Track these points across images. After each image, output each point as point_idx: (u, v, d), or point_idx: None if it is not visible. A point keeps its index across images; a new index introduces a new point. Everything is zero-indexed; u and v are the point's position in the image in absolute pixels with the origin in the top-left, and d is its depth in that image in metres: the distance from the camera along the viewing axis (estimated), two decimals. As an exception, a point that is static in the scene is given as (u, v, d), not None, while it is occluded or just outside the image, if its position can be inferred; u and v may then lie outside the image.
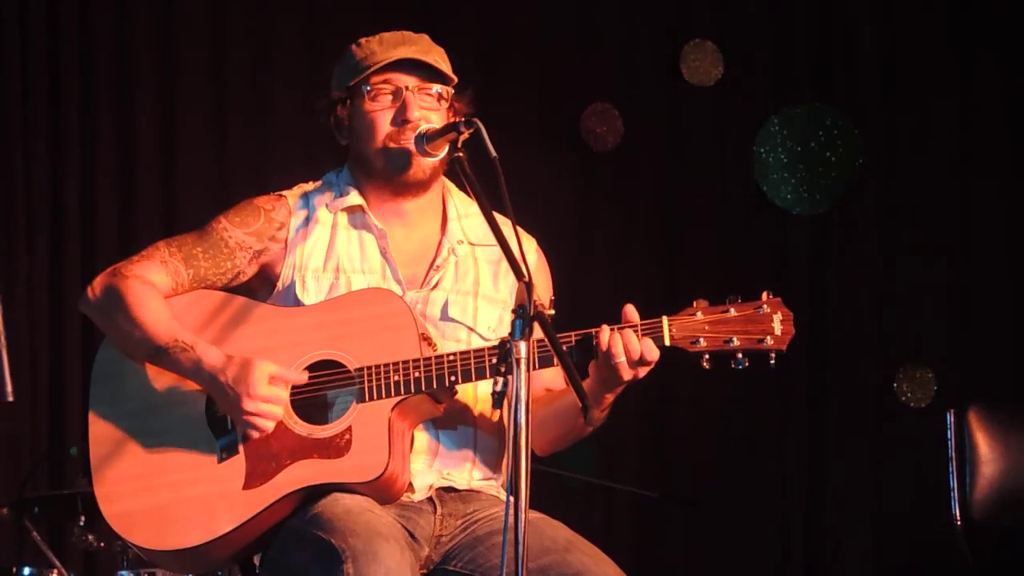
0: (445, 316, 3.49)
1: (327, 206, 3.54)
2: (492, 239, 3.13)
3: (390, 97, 3.49)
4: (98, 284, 3.47)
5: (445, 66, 3.52)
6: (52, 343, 6.09)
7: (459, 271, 3.54)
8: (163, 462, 3.38)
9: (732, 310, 3.33)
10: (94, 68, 6.18)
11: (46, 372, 6.08)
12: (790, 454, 6.48)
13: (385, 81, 3.49)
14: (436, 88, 3.51)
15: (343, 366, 3.35)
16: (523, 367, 2.88)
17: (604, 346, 3.26)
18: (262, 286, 3.55)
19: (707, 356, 3.32)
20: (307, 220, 3.53)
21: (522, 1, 6.53)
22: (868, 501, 6.41)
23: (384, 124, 3.48)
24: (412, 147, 3.44)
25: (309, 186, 3.60)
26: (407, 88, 3.48)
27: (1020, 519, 4.73)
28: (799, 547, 6.45)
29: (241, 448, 3.35)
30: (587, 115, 6.52)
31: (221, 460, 3.36)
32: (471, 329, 3.50)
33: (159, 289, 3.44)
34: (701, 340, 3.31)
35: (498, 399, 3.09)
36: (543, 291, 3.57)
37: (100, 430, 3.42)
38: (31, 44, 6.12)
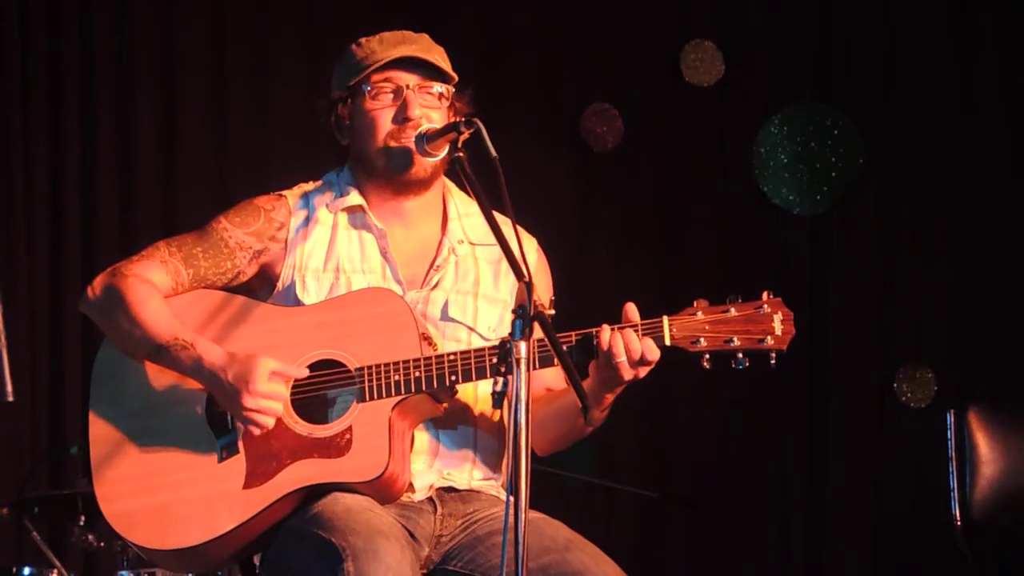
0: (445, 316, 3.49)
1: (327, 206, 3.54)
2: (492, 239, 3.13)
3: (391, 96, 3.49)
4: (98, 284, 3.47)
5: (445, 65, 3.52)
6: (52, 343, 6.08)
7: (459, 271, 3.54)
8: (163, 462, 3.38)
9: (732, 310, 3.33)
10: (94, 68, 6.18)
11: (46, 372, 6.07)
12: (790, 454, 6.48)
13: (386, 80, 3.49)
14: (437, 87, 3.51)
15: (343, 366, 3.35)
16: (523, 367, 2.88)
17: (605, 346, 3.26)
18: (262, 286, 3.55)
19: (707, 356, 3.32)
20: (307, 220, 3.53)
21: (522, 1, 6.53)
22: (868, 501, 6.41)
23: (385, 122, 3.48)
24: (413, 146, 3.44)
25: (309, 186, 3.60)
26: (408, 87, 3.48)
27: (1020, 519, 4.73)
28: (799, 547, 6.45)
29: (241, 447, 3.35)
30: (587, 115, 6.52)
31: (221, 459, 3.36)
32: (471, 329, 3.50)
33: (159, 288, 3.44)
34: (702, 340, 3.31)
35: (498, 399, 3.09)
36: (543, 291, 3.57)
37: (100, 430, 3.42)
38: (31, 44, 6.11)
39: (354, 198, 3.53)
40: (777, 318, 3.33)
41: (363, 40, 3.55)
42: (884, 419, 6.45)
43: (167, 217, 6.17)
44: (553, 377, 3.47)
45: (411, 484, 3.39)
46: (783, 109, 6.53)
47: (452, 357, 3.32)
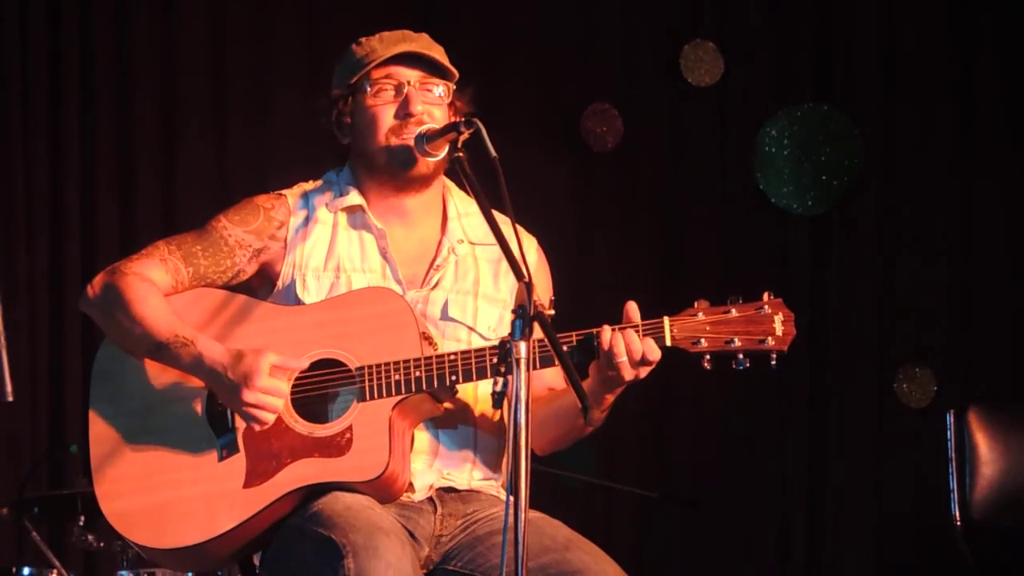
0: (445, 316, 3.49)
1: (327, 206, 3.54)
2: (492, 238, 3.13)
3: (392, 92, 3.49)
4: (98, 282, 3.47)
5: (446, 62, 3.52)
6: (52, 343, 6.09)
7: (459, 271, 3.54)
8: (163, 460, 3.38)
9: (733, 311, 3.33)
10: (94, 68, 6.18)
11: (46, 372, 6.08)
12: (790, 454, 6.48)
13: (387, 76, 3.49)
14: (438, 84, 3.51)
15: (344, 365, 3.35)
16: (523, 367, 2.88)
17: (606, 346, 3.26)
18: (262, 285, 3.55)
19: (708, 356, 3.31)
20: (307, 220, 3.53)
21: (522, 1, 6.53)
22: (868, 501, 6.41)
23: (387, 118, 3.48)
24: (413, 145, 3.44)
25: (309, 185, 3.60)
26: (409, 83, 3.48)
27: (1020, 519, 4.73)
28: (799, 547, 6.45)
29: (241, 446, 3.35)
30: (587, 115, 6.52)
31: (221, 458, 3.36)
32: (471, 329, 3.50)
33: (159, 287, 3.44)
34: (702, 340, 3.31)
35: (498, 399, 3.09)
36: (543, 291, 3.57)
37: (100, 429, 3.42)
38: (31, 44, 6.12)
39: (354, 198, 3.53)
40: (778, 319, 3.33)
41: (363, 39, 3.55)
42: (884, 419, 6.45)
43: (167, 217, 6.18)
44: (554, 377, 3.47)
45: (411, 484, 3.39)
46: (783, 109, 6.53)
47: (452, 357, 3.32)
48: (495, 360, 3.27)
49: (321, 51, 6.11)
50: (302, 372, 3.36)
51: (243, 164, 6.26)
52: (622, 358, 3.25)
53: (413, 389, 3.31)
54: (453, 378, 3.32)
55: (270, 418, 3.32)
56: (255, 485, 3.33)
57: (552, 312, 3.13)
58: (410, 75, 3.49)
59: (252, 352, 3.31)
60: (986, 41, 6.47)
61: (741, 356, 3.32)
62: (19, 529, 5.59)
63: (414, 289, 3.50)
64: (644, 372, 3.29)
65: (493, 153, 3.12)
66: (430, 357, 3.32)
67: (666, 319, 3.31)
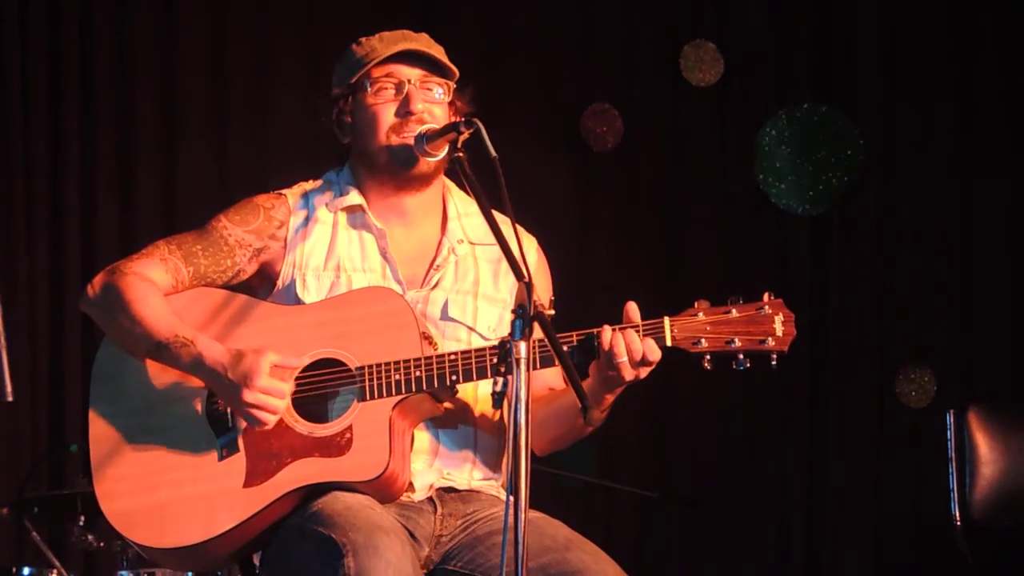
0: (445, 316, 3.49)
1: (327, 205, 3.54)
2: (492, 238, 3.13)
3: (392, 91, 3.49)
4: (98, 282, 3.47)
5: (446, 60, 3.52)
6: (52, 343, 6.09)
7: (459, 271, 3.54)
8: (163, 460, 3.38)
9: (734, 311, 3.32)
10: (94, 68, 6.18)
11: (46, 372, 6.08)
12: (790, 454, 6.48)
13: (388, 75, 3.49)
14: (438, 84, 3.51)
15: (344, 364, 3.35)
16: (523, 367, 2.88)
17: (606, 346, 3.26)
18: (262, 284, 3.55)
19: (708, 357, 3.31)
20: (307, 220, 3.53)
21: (522, 1, 6.53)
22: (868, 501, 6.41)
23: (387, 117, 3.47)
24: (413, 144, 3.44)
25: (309, 185, 3.60)
26: (410, 81, 3.48)
27: (1020, 519, 4.73)
28: (799, 547, 6.45)
29: (242, 446, 3.35)
30: (587, 115, 6.52)
31: (221, 458, 3.36)
32: (471, 329, 3.50)
33: (159, 286, 3.44)
34: (703, 341, 3.31)
35: (498, 399, 3.09)
36: (543, 291, 3.57)
37: (100, 428, 3.42)
38: (31, 44, 6.12)
39: (354, 197, 3.53)
40: (778, 319, 3.33)
41: (363, 39, 3.55)
42: (884, 419, 6.45)
43: (167, 217, 6.17)
44: (555, 377, 3.47)
45: (411, 484, 3.39)
46: (783, 109, 6.53)
47: (453, 357, 3.32)
48: (495, 360, 3.27)
49: (321, 51, 6.11)
50: (302, 371, 3.36)
51: (243, 164, 6.26)
52: (622, 358, 3.25)
53: (413, 389, 3.31)
54: (453, 378, 3.32)
55: (271, 419, 3.31)
56: (255, 485, 3.33)
57: (552, 312, 3.13)
58: (410, 73, 3.49)
59: (252, 352, 3.30)
60: (986, 41, 6.47)
61: (741, 356, 3.32)
62: (19, 529, 5.59)
63: (414, 289, 3.50)
64: (644, 372, 3.29)
65: (493, 153, 3.12)
66: (430, 357, 3.32)
67: (666, 319, 3.31)
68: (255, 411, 3.29)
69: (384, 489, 3.31)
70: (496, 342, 3.26)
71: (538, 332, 2.94)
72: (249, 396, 3.28)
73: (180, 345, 3.36)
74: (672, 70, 6.53)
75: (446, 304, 3.50)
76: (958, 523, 4.67)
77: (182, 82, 6.26)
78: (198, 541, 3.34)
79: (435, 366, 3.31)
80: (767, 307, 3.33)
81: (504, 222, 3.16)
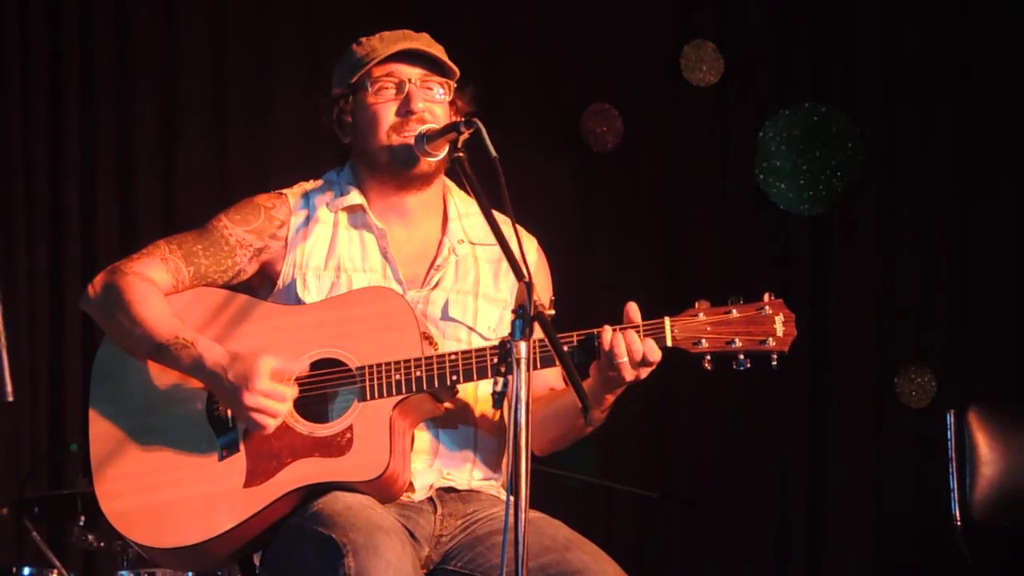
0: (445, 316, 3.49)
1: (328, 205, 3.54)
2: (492, 238, 3.13)
3: (393, 90, 3.48)
4: (98, 282, 3.47)
5: (447, 60, 3.52)
6: (52, 343, 6.08)
7: (459, 271, 3.54)
8: (164, 460, 3.38)
9: (734, 311, 3.32)
10: (94, 68, 6.18)
11: (46, 372, 6.07)
12: (790, 454, 6.48)
13: (388, 74, 3.49)
14: (439, 83, 3.50)
15: (344, 364, 3.35)
16: (523, 367, 2.88)
17: (607, 346, 3.26)
18: (262, 284, 3.54)
19: (709, 357, 3.31)
20: (308, 219, 3.53)
21: (522, 1, 6.53)
22: (868, 501, 6.42)
23: (388, 116, 3.47)
24: (413, 144, 3.43)
25: (310, 185, 3.60)
26: (410, 80, 3.48)
27: (1020, 519, 4.73)
28: (799, 547, 6.45)
29: (242, 446, 3.35)
30: (587, 115, 6.52)
31: (222, 458, 3.36)
32: (471, 329, 3.50)
33: (159, 286, 3.43)
34: (703, 341, 3.31)
35: (498, 399, 3.09)
36: (543, 291, 3.57)
37: (100, 428, 3.42)
38: (31, 44, 6.12)
39: (354, 197, 3.53)
40: (779, 319, 3.32)
41: (363, 39, 3.55)
42: (884, 419, 6.45)
43: (167, 217, 6.17)
44: (555, 377, 3.47)
45: (411, 484, 3.39)
46: (783, 109, 6.53)
47: (453, 357, 3.32)
48: (495, 360, 3.27)
49: (321, 51, 6.11)
50: (303, 372, 3.37)
51: (243, 164, 6.26)
52: (623, 359, 3.25)
53: (414, 389, 3.31)
54: (454, 378, 3.31)
55: (271, 422, 3.30)
56: (255, 485, 3.32)
57: (552, 312, 3.13)
58: (411, 73, 3.49)
59: (252, 355, 3.30)
60: (986, 41, 6.47)
61: (742, 357, 3.32)
62: (19, 529, 5.59)
63: (414, 289, 3.50)
64: (645, 373, 3.29)
65: (493, 153, 3.12)
66: (431, 357, 3.32)
67: (667, 319, 3.31)
68: (255, 414, 3.29)
69: (384, 489, 3.31)
70: (496, 342, 3.26)
71: (538, 332, 2.94)
72: (249, 399, 3.28)
73: (180, 347, 3.35)
74: (672, 70, 6.54)
75: (446, 304, 3.50)
76: (958, 523, 4.67)
77: (182, 82, 6.26)
78: (198, 541, 3.34)
79: (435, 366, 3.31)
80: (767, 307, 3.33)
81: (504, 222, 3.16)
